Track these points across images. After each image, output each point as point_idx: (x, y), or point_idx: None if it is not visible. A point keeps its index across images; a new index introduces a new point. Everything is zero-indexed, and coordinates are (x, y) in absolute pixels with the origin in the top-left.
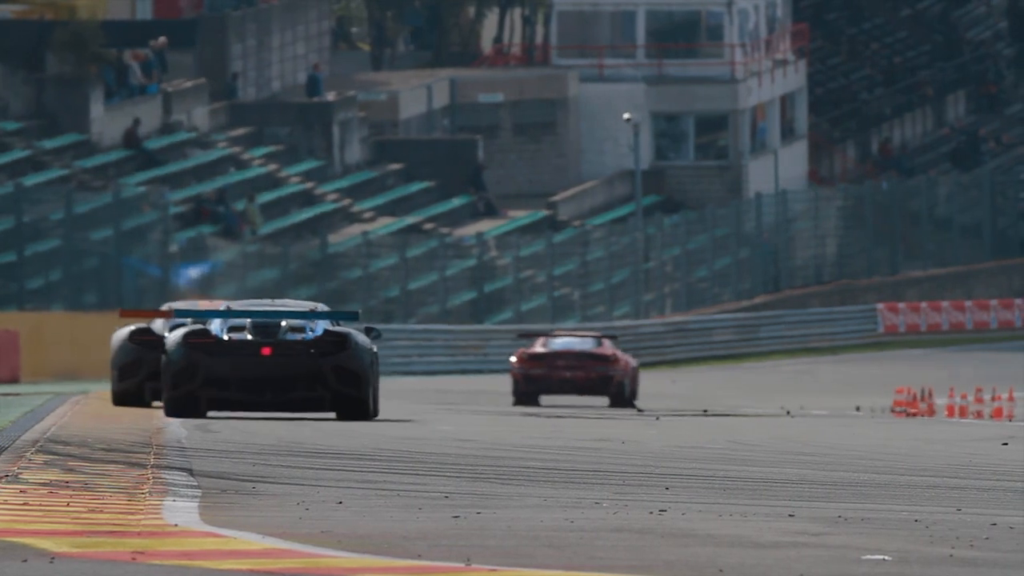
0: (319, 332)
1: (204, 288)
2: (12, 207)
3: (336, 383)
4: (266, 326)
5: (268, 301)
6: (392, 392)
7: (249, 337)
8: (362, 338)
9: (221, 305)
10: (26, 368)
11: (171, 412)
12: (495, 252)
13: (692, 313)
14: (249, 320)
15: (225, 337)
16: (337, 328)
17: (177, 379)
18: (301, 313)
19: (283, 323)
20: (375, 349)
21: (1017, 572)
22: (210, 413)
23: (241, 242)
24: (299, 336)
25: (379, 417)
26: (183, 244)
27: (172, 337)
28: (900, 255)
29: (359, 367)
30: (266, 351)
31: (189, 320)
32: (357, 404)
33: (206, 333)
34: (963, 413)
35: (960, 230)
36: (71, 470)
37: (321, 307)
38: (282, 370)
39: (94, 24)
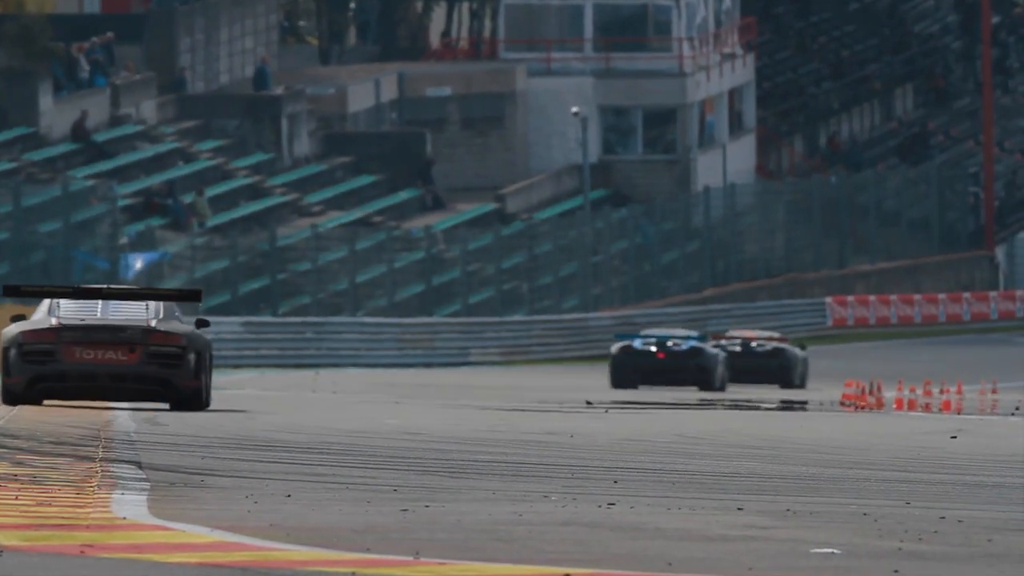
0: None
1: (151, 279)
2: None
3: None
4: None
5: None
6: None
7: None
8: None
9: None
10: None
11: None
12: (443, 245)
13: (640, 306)
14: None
15: None
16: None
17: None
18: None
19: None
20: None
21: (965, 566)
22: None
23: (190, 235)
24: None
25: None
26: (132, 237)
27: None
28: (848, 249)
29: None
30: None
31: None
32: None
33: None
34: (912, 406)
35: (908, 224)
36: (20, 463)
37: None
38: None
39: (42, 18)
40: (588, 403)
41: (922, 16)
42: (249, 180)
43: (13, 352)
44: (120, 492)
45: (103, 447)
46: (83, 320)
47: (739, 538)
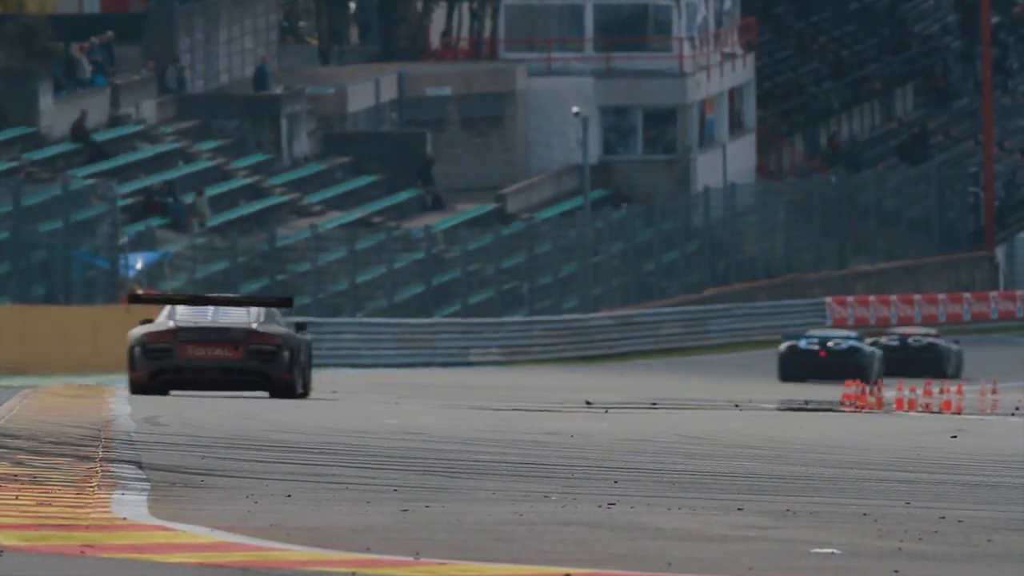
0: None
1: (151, 279)
2: None
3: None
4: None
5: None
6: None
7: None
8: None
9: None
10: None
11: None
12: (443, 245)
13: (640, 307)
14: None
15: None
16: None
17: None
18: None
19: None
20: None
21: (965, 566)
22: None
23: (190, 235)
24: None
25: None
26: (132, 237)
27: None
28: (848, 249)
29: None
30: None
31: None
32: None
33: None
34: (912, 406)
35: (908, 224)
36: (20, 463)
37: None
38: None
39: (42, 18)
40: (588, 403)
41: (922, 16)
42: (249, 180)
43: (138, 350)
44: (120, 492)
45: (103, 447)
46: (196, 323)
47: (739, 538)
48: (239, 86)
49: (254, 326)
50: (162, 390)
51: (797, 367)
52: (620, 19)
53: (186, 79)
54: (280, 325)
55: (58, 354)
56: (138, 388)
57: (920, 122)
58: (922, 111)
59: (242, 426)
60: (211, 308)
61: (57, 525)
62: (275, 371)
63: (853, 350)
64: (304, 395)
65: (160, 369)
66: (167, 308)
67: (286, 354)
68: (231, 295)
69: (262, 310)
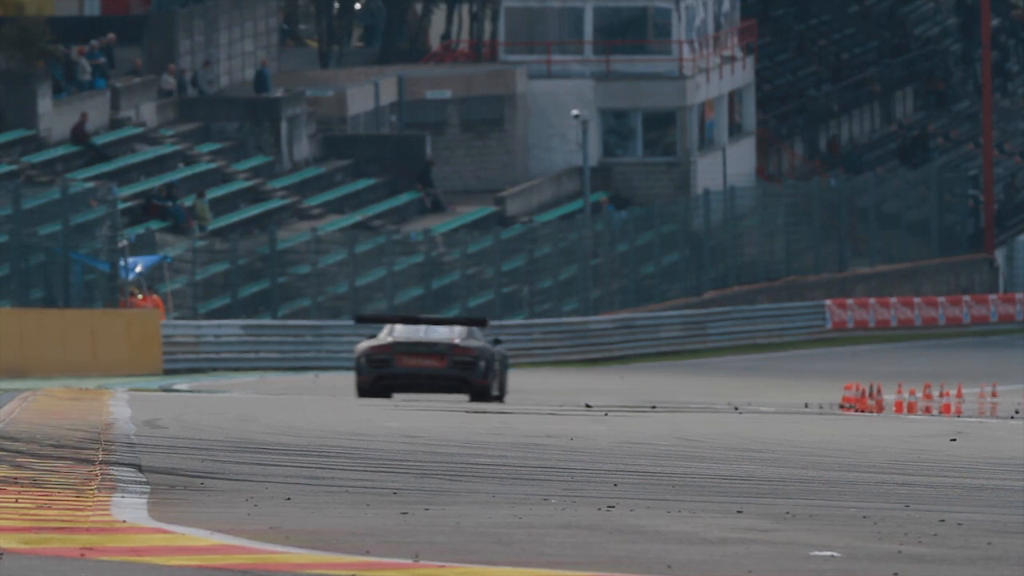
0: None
1: (151, 282)
2: None
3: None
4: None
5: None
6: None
7: None
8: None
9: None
10: None
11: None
12: (443, 248)
13: (640, 310)
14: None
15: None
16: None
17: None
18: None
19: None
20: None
21: (965, 569)
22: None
23: (190, 238)
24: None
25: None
26: (132, 240)
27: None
28: (848, 252)
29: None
30: None
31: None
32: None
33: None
34: (911, 409)
35: (908, 227)
36: (20, 466)
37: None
38: None
39: (42, 20)
40: (587, 406)
41: (922, 19)
42: (249, 183)
43: (363, 360)
44: (120, 495)
45: (103, 450)
46: (410, 338)
47: (739, 541)
48: (239, 89)
49: (456, 341)
50: (384, 393)
51: None
52: (620, 22)
53: (185, 81)
54: (478, 340)
55: (57, 357)
56: (364, 391)
57: (920, 125)
58: (922, 114)
59: (241, 429)
60: (423, 327)
61: (57, 528)
62: (473, 377)
63: None
64: (499, 398)
65: (381, 375)
66: (387, 326)
67: (482, 364)
68: (438, 316)
69: (463, 328)
